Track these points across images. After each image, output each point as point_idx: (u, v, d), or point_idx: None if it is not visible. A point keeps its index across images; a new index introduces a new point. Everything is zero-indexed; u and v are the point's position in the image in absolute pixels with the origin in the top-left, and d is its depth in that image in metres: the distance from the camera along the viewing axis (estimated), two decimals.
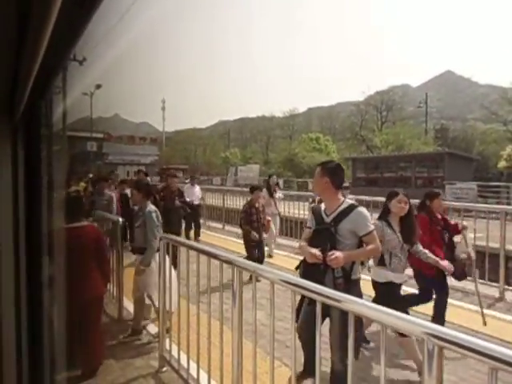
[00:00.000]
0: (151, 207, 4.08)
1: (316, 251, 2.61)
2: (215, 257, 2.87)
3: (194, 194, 9.74)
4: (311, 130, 48.71)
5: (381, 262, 3.33)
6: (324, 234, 2.72)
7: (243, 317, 2.57)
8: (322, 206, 2.89)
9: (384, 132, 37.22)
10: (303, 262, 2.83)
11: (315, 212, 2.91)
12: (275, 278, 2.24)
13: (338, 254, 2.50)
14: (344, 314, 2.08)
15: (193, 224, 9.59)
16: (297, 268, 2.92)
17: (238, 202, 12.37)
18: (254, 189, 6.33)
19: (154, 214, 4.02)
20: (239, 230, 11.12)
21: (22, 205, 1.22)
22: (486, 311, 4.29)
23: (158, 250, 3.98)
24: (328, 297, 1.89)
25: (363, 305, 1.72)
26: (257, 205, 6.17)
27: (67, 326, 1.57)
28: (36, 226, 1.25)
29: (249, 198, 6.52)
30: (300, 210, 10.45)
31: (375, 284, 3.42)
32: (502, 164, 27.90)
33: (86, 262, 3.28)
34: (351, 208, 2.72)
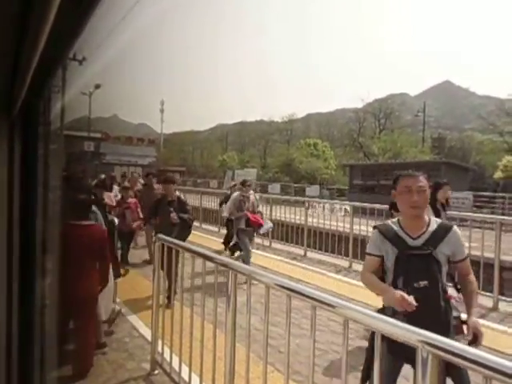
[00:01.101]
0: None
1: (409, 298, 1.90)
2: (210, 259, 2.86)
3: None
4: (309, 136, 48.85)
5: None
6: (421, 262, 2.07)
7: (237, 321, 2.56)
8: (391, 224, 2.26)
9: (382, 139, 37.38)
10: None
11: (387, 233, 2.21)
12: (270, 282, 2.23)
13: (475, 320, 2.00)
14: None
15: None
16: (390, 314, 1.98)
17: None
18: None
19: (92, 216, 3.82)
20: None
21: (17, 203, 1.21)
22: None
23: None
24: (321, 301, 1.88)
25: (359, 311, 1.71)
26: None
27: (59, 325, 1.56)
28: (31, 223, 1.24)
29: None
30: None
31: None
32: (498, 174, 28.07)
33: (86, 260, 3.26)
34: (446, 228, 2.17)
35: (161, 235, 3.65)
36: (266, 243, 9.60)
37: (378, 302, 2.24)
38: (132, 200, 6.87)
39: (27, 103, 1.06)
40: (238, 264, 2.63)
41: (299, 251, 8.84)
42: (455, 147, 44.82)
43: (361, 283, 2.40)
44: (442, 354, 1.32)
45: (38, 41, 0.62)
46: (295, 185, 29.07)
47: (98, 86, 31.82)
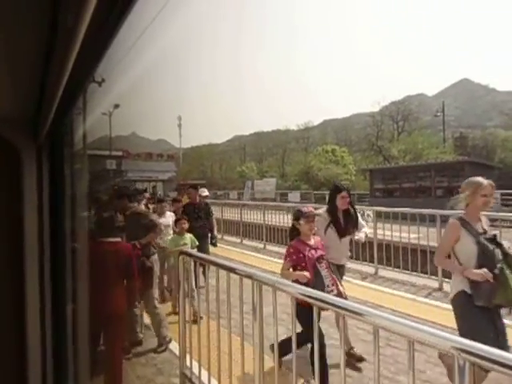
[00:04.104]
0: None
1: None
2: (234, 271, 2.86)
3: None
4: (326, 142, 48.65)
5: None
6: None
7: (264, 332, 2.54)
8: None
9: (401, 142, 36.81)
10: None
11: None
12: (295, 292, 2.21)
13: None
14: None
15: None
16: None
17: (256, 216, 12.29)
18: None
19: None
20: (257, 244, 11.15)
21: (47, 221, 1.25)
22: None
23: None
24: (349, 310, 1.84)
25: (388, 319, 1.67)
26: None
27: (90, 341, 1.58)
28: (60, 240, 1.28)
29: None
30: None
31: None
32: None
33: (113, 277, 3.32)
34: None
35: (184, 249, 3.69)
36: None
37: None
38: (317, 238, 3.50)
39: (53, 127, 1.11)
40: (263, 275, 2.62)
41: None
42: (478, 146, 43.66)
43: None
44: (480, 361, 1.27)
45: (63, 70, 0.65)
46: (315, 192, 28.86)
47: (117, 106, 32.68)
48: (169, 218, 6.07)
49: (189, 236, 5.17)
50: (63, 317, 1.28)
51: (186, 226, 5.17)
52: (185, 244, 4.90)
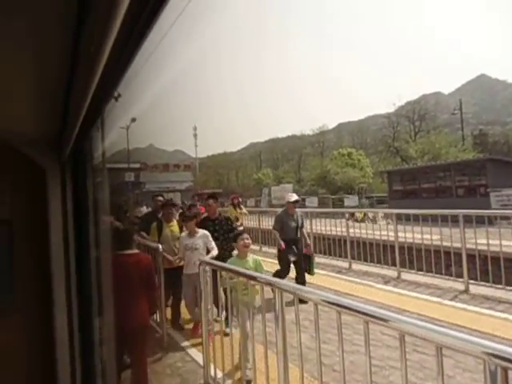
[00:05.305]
0: None
1: None
2: (254, 279, 2.86)
3: None
4: (342, 146, 48.30)
5: None
6: None
7: (287, 340, 2.52)
8: None
9: (418, 142, 36.20)
10: None
11: None
12: (318, 298, 2.19)
13: None
14: None
15: None
16: None
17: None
18: None
19: None
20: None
21: (72, 235, 1.29)
22: None
23: None
24: (373, 316, 1.82)
25: (415, 324, 1.63)
26: None
27: (116, 354, 1.61)
28: (84, 253, 1.31)
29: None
30: None
31: None
32: None
33: (135, 289, 3.36)
34: None
35: (205, 259, 3.71)
36: None
37: None
38: None
39: (75, 147, 1.14)
40: (284, 282, 2.61)
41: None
42: (499, 142, 42.56)
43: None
44: None
45: (85, 94, 0.67)
46: (333, 196, 28.62)
47: (134, 120, 33.30)
48: (198, 239, 4.73)
49: (252, 259, 3.95)
50: (90, 329, 1.31)
51: (250, 243, 4.03)
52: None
